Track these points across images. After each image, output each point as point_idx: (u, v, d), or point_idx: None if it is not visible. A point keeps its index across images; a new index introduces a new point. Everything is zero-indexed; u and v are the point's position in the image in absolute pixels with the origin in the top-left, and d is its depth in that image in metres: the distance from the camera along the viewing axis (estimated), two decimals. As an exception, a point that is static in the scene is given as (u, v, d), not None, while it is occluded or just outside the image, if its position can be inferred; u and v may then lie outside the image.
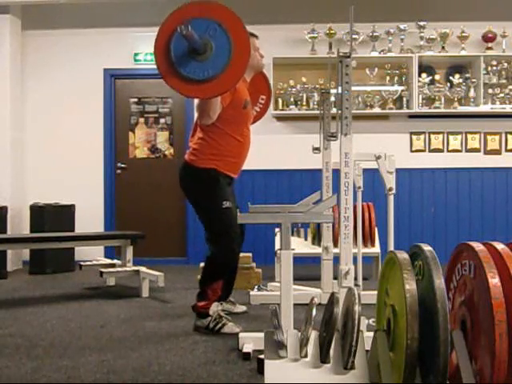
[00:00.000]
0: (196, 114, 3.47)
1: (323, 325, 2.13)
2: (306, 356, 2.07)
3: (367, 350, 2.13)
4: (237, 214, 3.01)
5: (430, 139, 6.65)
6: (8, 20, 6.30)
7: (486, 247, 2.00)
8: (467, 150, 6.63)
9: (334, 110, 3.98)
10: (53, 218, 5.91)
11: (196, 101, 3.41)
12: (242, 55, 2.87)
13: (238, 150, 3.52)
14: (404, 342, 1.89)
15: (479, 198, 6.59)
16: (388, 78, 6.55)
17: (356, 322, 1.97)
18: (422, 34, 6.47)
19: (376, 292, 2.33)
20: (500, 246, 1.99)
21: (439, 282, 1.87)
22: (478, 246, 2.01)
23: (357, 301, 2.02)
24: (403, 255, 2.08)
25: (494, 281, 1.86)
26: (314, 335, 2.13)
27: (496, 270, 1.88)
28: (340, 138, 2.65)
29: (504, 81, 6.45)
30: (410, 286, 1.93)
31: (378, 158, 3.84)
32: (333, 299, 2.11)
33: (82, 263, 5.09)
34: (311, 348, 2.09)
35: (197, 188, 3.50)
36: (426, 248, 2.01)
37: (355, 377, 2.00)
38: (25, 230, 6.26)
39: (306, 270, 4.91)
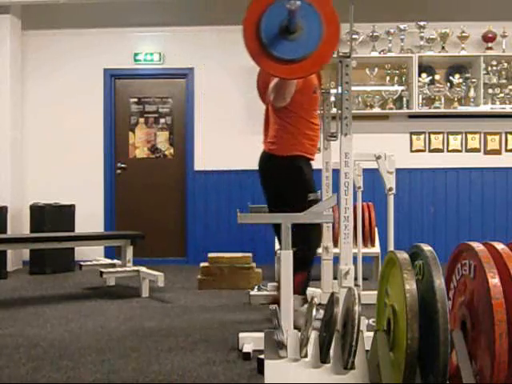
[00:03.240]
0: (271, 97, 3.31)
1: (323, 325, 2.13)
2: (306, 356, 2.07)
3: (367, 350, 2.13)
4: None
5: (430, 139, 6.65)
6: (8, 20, 6.30)
7: (486, 247, 2.00)
8: (467, 150, 6.63)
9: (334, 110, 3.99)
10: (53, 218, 5.90)
11: (271, 84, 3.32)
12: (332, 35, 2.76)
13: (313, 133, 3.52)
14: (404, 342, 1.89)
15: (479, 198, 6.59)
16: (388, 78, 6.55)
17: (356, 321, 1.97)
18: (422, 34, 6.47)
19: (376, 292, 2.34)
20: (500, 246, 1.99)
21: (439, 282, 1.87)
22: (478, 246, 2.01)
23: (357, 301, 2.02)
24: (403, 255, 2.08)
25: (494, 281, 1.86)
26: (313, 335, 2.13)
27: (496, 270, 1.88)
28: (340, 138, 2.64)
29: (504, 81, 6.46)
30: (410, 286, 1.93)
31: (378, 158, 3.84)
32: (333, 299, 2.11)
33: (82, 263, 5.09)
34: (311, 348, 2.09)
35: (281, 179, 3.46)
36: (426, 248, 2.01)
37: (355, 377, 2.00)
38: (25, 230, 6.26)
39: (306, 269, 4.90)
